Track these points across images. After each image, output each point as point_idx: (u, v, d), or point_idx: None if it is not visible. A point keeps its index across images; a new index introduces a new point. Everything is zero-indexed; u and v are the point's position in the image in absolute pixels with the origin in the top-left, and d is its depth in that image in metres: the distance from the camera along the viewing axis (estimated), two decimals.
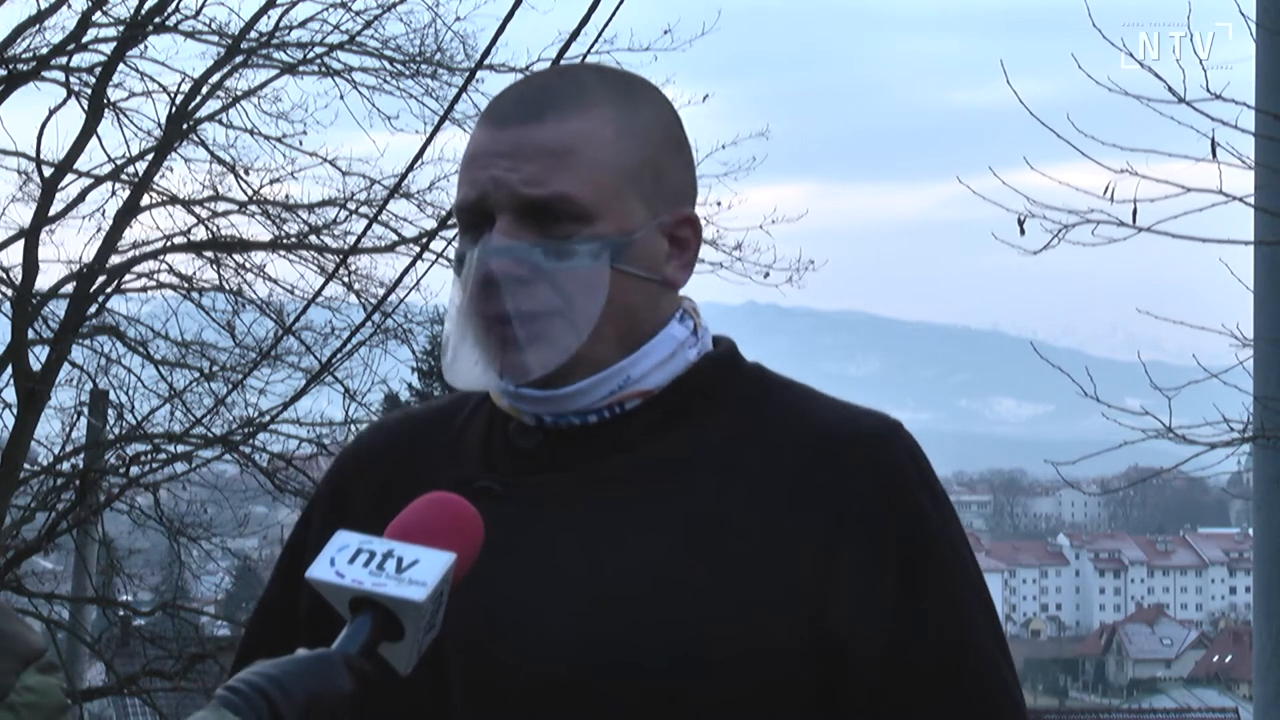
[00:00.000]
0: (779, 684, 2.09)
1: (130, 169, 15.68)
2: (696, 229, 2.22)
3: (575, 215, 2.12)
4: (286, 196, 15.98)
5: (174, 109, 15.31)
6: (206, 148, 15.69)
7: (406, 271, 13.74)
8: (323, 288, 15.09)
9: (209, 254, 16.04)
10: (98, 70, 15.18)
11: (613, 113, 2.17)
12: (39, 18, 14.88)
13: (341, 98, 15.42)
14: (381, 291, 15.01)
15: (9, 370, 15.44)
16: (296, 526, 2.36)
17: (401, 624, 1.97)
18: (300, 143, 15.52)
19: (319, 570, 1.99)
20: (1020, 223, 7.72)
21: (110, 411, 15.91)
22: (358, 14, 15.14)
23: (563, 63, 8.72)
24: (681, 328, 2.21)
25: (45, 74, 15.14)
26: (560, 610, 2.09)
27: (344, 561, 1.98)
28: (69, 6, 14.91)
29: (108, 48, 15.22)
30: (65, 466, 15.64)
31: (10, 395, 15.43)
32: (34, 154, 15.45)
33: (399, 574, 1.97)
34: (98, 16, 15.04)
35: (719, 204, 14.91)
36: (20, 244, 15.54)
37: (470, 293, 2.14)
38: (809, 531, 2.10)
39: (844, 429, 2.16)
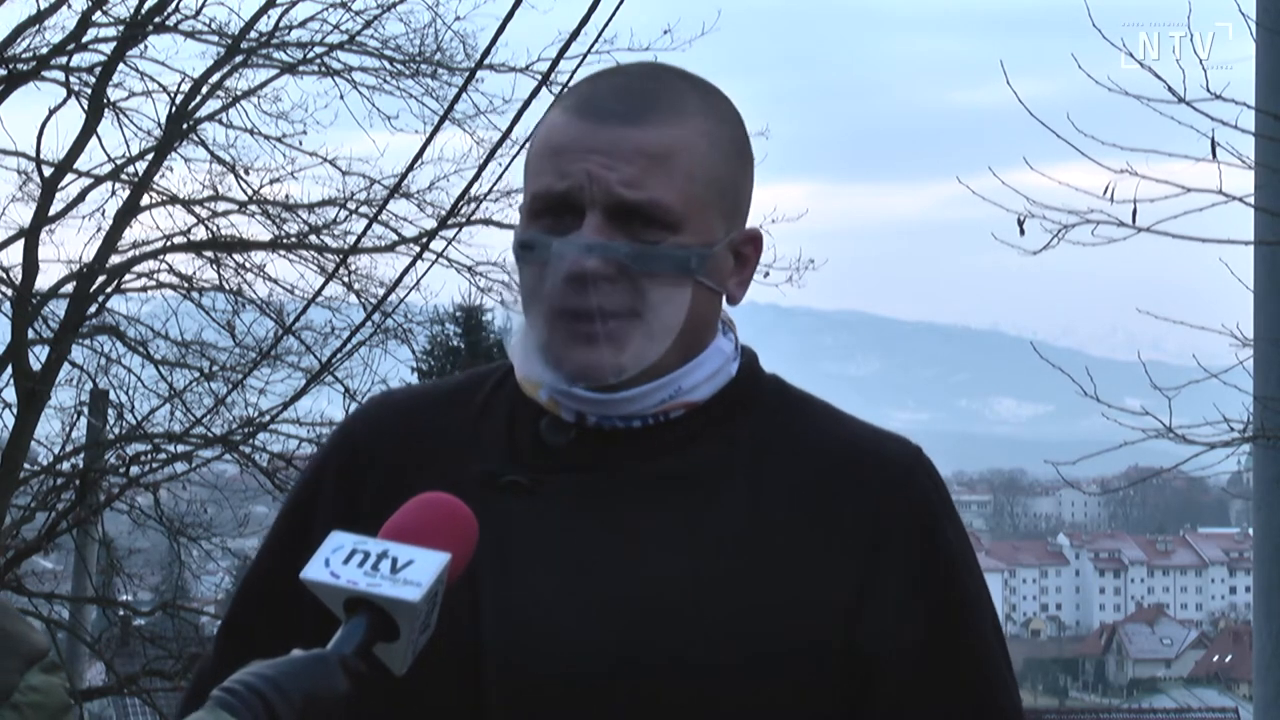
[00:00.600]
0: (806, 689, 2.12)
1: (130, 169, 15.70)
2: (758, 246, 2.23)
3: (666, 223, 2.12)
4: (286, 196, 16.01)
5: (174, 109, 15.31)
6: (206, 148, 15.73)
7: (406, 271, 13.73)
8: (323, 288, 15.11)
9: (209, 254, 16.04)
10: (98, 70, 15.19)
11: (704, 124, 2.16)
12: (39, 18, 14.89)
13: (341, 98, 15.46)
14: (381, 291, 15.03)
15: (9, 370, 15.44)
16: (299, 495, 2.30)
17: (396, 624, 1.98)
18: (300, 143, 15.56)
19: (314, 571, 1.99)
20: (1020, 223, 7.72)
21: (110, 411, 15.90)
22: (358, 14, 15.17)
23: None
24: (727, 341, 2.23)
25: (45, 74, 15.15)
26: (590, 610, 2.10)
27: (339, 562, 1.99)
28: (69, 6, 14.93)
29: (108, 48, 15.24)
30: (65, 466, 15.64)
31: (10, 395, 15.45)
32: (34, 154, 15.48)
33: (394, 574, 1.97)
34: (98, 16, 15.05)
35: None
36: (20, 244, 15.56)
37: (554, 286, 2.12)
38: (837, 546, 2.14)
39: (873, 452, 2.20)
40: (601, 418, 2.17)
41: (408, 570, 1.97)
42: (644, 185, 2.11)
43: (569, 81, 10.06)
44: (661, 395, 2.16)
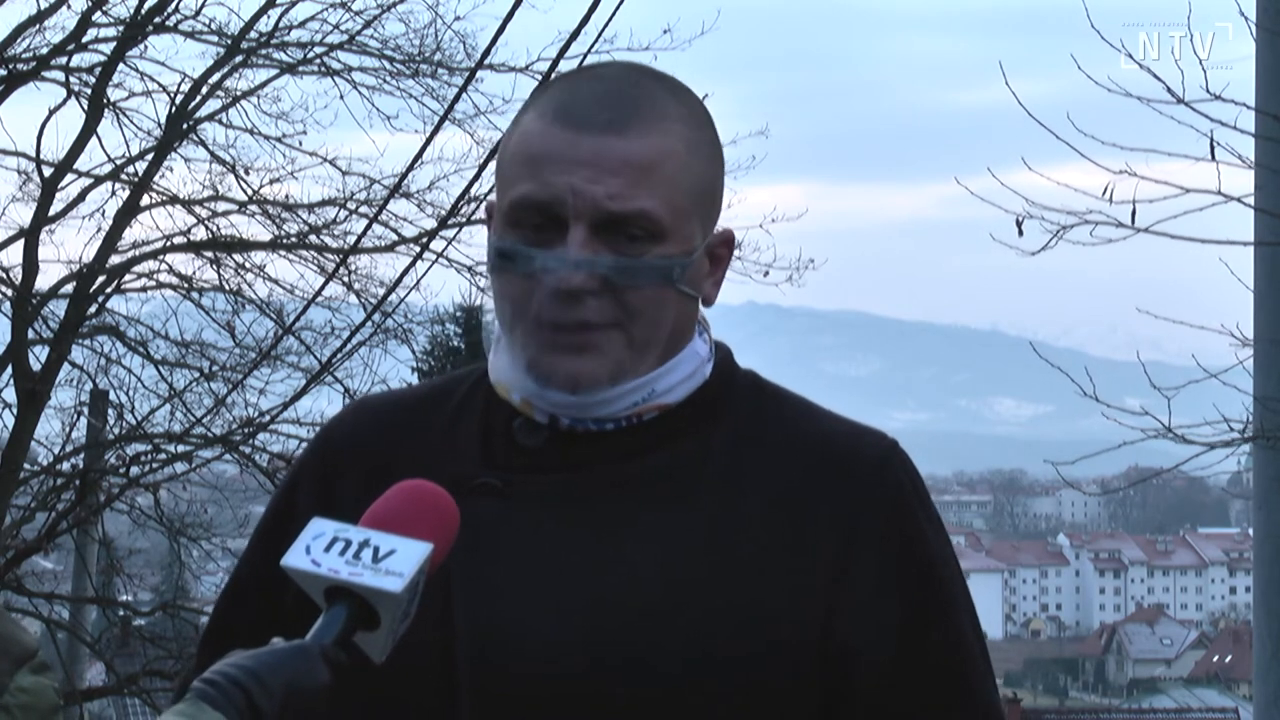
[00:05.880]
0: (784, 687, 2.11)
1: (130, 169, 15.71)
2: (731, 246, 2.24)
3: (651, 233, 2.11)
4: (286, 196, 16.01)
5: (174, 109, 15.32)
6: (206, 148, 15.73)
7: (406, 271, 13.72)
8: (323, 288, 15.11)
9: (209, 254, 16.05)
10: (98, 70, 15.20)
11: (684, 129, 2.15)
12: (39, 18, 14.89)
13: (341, 98, 15.46)
14: (381, 291, 15.03)
15: (9, 370, 15.44)
16: (278, 502, 2.31)
17: (377, 613, 1.96)
18: (300, 143, 15.57)
19: (294, 558, 1.97)
20: (1018, 224, 7.71)
21: (110, 411, 15.90)
22: (358, 14, 15.18)
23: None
24: (702, 343, 2.23)
25: (45, 74, 15.16)
26: (568, 611, 2.10)
27: (320, 550, 1.97)
28: (69, 6, 14.94)
29: (108, 48, 15.24)
30: (65, 466, 15.64)
31: (10, 395, 15.46)
32: (34, 154, 15.49)
33: (375, 563, 1.95)
34: (98, 16, 15.06)
35: None
36: (20, 244, 15.57)
37: (542, 300, 2.11)
38: (815, 543, 2.14)
39: (847, 446, 2.20)
40: (574, 420, 2.17)
41: (389, 560, 1.95)
42: (631, 197, 2.10)
43: None
44: (635, 398, 2.16)
